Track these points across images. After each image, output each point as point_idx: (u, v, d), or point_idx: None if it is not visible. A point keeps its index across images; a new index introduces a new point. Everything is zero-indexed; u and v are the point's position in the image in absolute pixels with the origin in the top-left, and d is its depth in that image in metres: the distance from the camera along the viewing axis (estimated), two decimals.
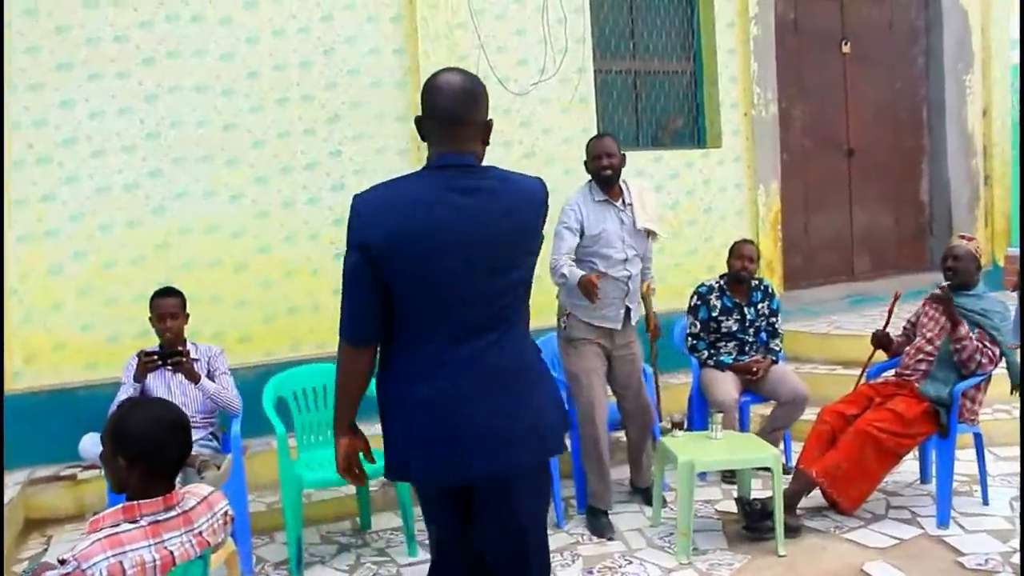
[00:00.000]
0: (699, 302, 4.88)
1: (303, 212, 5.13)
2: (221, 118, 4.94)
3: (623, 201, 4.15)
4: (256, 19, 4.99)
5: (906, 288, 6.92)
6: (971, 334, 4.00)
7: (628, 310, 4.17)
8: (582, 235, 4.01)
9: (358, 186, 5.26)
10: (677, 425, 4.11)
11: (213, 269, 4.95)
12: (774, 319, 4.94)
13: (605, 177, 4.05)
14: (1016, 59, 7.63)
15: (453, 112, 2.17)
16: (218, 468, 3.70)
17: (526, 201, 2.23)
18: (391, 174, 5.54)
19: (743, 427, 5.14)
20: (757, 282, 4.90)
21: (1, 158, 4.48)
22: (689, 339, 4.91)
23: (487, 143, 2.25)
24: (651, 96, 6.27)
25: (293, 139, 5.09)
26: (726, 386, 4.67)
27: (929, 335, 4.26)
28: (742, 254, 4.81)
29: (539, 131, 5.68)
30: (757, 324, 4.90)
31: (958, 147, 7.33)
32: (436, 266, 2.11)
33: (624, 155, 4.14)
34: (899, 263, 7.32)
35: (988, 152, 7.43)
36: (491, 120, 2.25)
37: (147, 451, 2.05)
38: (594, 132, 5.78)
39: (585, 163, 4.16)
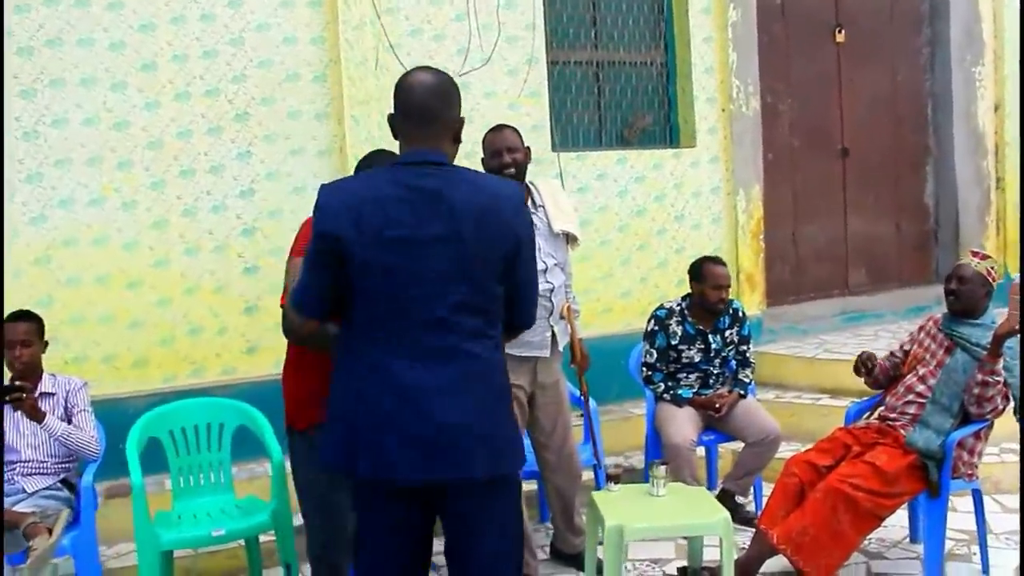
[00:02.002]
0: (656, 327, 4.23)
1: (207, 221, 4.53)
2: (111, 115, 4.34)
3: (532, 203, 3.51)
4: (151, 4, 4.37)
5: (907, 304, 6.30)
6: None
7: (554, 333, 3.53)
8: None
9: (270, 191, 4.73)
10: (612, 478, 3.45)
11: (102, 285, 4.36)
12: (745, 347, 4.29)
13: (508, 176, 3.40)
14: None
15: (425, 109, 2.20)
16: (50, 532, 3.10)
17: (493, 202, 2.19)
18: (308, 178, 4.75)
19: (710, 471, 4.51)
20: (725, 305, 4.24)
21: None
22: (644, 369, 4.26)
23: (459, 141, 2.28)
24: (616, 90, 5.61)
25: (195, 139, 4.49)
26: (682, 425, 4.02)
27: (923, 371, 3.58)
28: (718, 283, 4.12)
29: (482, 127, 4.97)
30: (724, 354, 4.24)
31: (966, 146, 6.65)
32: (391, 262, 2.11)
33: (529, 149, 3.49)
34: (901, 275, 6.65)
35: (1000, 152, 6.72)
36: (463, 118, 2.28)
37: None
38: (546, 129, 5.17)
39: (483, 160, 3.51)
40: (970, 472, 3.48)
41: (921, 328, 3.77)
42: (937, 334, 3.65)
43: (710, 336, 4.20)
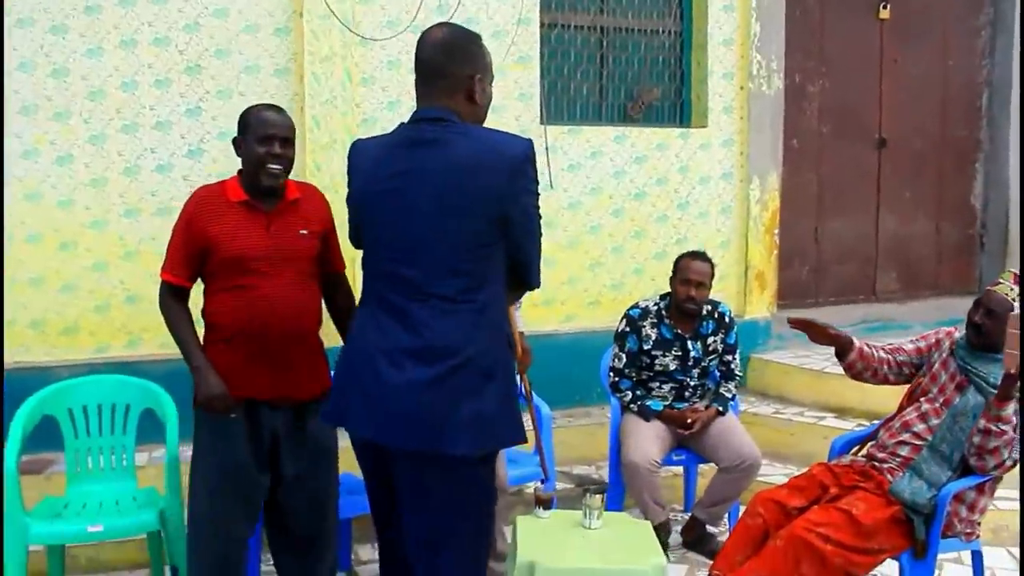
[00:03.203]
0: (627, 328, 3.73)
1: (150, 181, 4.18)
2: (49, 61, 4.02)
3: None
4: None
5: (941, 315, 5.65)
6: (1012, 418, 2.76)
7: None
8: None
9: (221, 150, 4.35)
10: (542, 501, 2.99)
11: (33, 245, 4.07)
12: (730, 357, 3.76)
13: None
14: None
15: (426, 65, 2.14)
16: None
17: (487, 160, 2.05)
18: None
19: (688, 496, 4.02)
20: (710, 307, 3.72)
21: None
22: (611, 375, 3.77)
23: (474, 100, 2.13)
24: (621, 60, 5.08)
25: (141, 91, 4.14)
26: (643, 441, 3.53)
27: (926, 407, 2.99)
28: (688, 277, 3.61)
29: None
30: (704, 364, 3.73)
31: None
32: (375, 218, 2.13)
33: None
34: (938, 283, 6.06)
35: None
36: (477, 75, 2.13)
37: None
38: (536, 98, 4.69)
39: None
40: (969, 531, 2.92)
41: (938, 342, 3.15)
42: (949, 361, 3.07)
43: (689, 342, 3.69)
